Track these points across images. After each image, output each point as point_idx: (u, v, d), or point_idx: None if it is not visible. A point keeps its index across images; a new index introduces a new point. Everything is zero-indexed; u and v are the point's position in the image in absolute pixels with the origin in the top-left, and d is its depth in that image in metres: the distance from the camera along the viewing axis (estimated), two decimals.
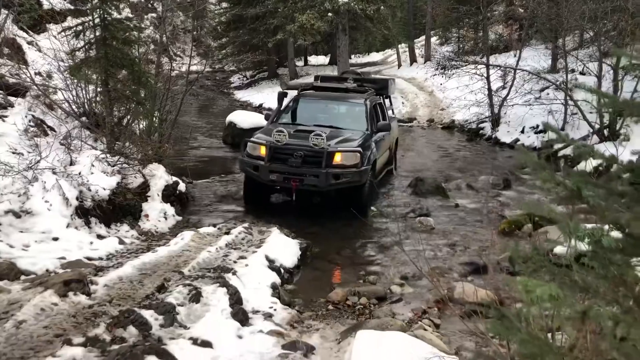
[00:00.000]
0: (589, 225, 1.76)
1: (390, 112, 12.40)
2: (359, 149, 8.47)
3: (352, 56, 45.01)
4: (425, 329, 4.93)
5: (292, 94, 11.01)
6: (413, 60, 32.62)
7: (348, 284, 6.16)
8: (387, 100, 12.29)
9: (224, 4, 34.81)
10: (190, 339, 4.09)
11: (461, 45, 28.74)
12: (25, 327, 3.80)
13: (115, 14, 9.16)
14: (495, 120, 17.31)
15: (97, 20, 8.34)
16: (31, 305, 4.04)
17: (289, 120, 9.92)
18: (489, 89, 17.41)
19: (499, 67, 17.36)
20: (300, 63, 38.44)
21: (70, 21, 15.77)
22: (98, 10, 8.09)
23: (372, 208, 9.22)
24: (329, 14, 23.55)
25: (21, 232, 5.87)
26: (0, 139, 7.68)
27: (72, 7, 19.58)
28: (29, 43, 16.90)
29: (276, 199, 9.55)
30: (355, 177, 8.27)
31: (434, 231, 8.31)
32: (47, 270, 5.06)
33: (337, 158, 8.28)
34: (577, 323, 1.87)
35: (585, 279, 1.70)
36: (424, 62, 30.10)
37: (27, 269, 4.98)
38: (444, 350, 4.24)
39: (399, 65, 33.39)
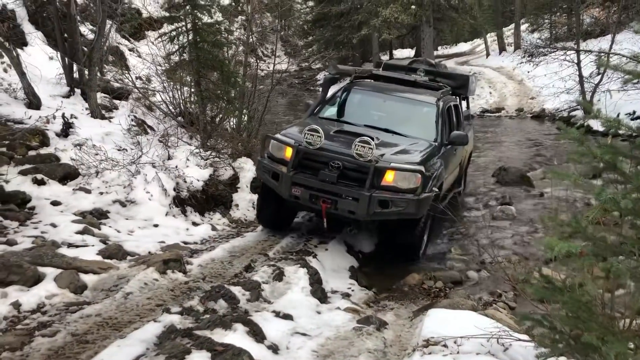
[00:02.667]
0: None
1: (467, 116, 9.89)
2: (421, 167, 5.97)
3: (439, 47, 44.52)
4: (499, 311, 5.06)
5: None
6: (502, 48, 31.77)
7: (425, 269, 6.36)
8: (464, 102, 9.81)
9: (310, 3, 35.51)
10: (273, 312, 4.49)
11: (553, 32, 27.63)
12: (131, 297, 4.36)
13: (206, 18, 9.84)
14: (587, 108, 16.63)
15: (189, 26, 8.99)
16: (136, 280, 4.60)
17: (332, 115, 7.56)
18: (580, 76, 16.75)
19: (590, 52, 16.65)
20: (385, 57, 38.45)
21: (166, 28, 16.89)
22: (190, 15, 8.74)
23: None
24: (412, 7, 23.49)
25: (126, 219, 6.57)
26: (107, 137, 8.54)
27: (168, 15, 20.88)
28: (130, 50, 18.30)
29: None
30: (410, 208, 5.83)
31: (516, 219, 8.29)
32: (149, 252, 5.66)
33: (389, 177, 5.92)
34: (601, 280, 2.03)
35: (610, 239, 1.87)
36: (514, 51, 29.25)
37: (132, 251, 5.60)
38: (513, 328, 4.37)
39: (487, 55, 32.64)
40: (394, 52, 41.95)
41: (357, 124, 7.05)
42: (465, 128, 8.94)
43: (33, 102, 9.00)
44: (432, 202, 6.25)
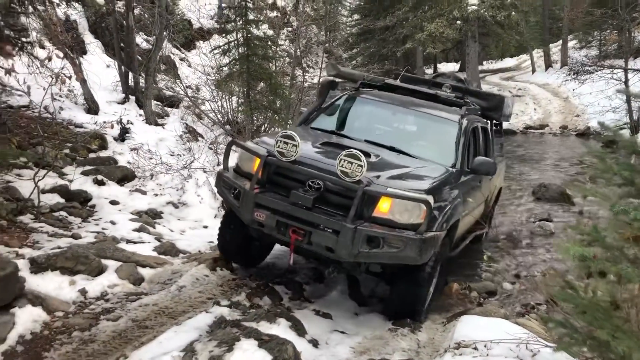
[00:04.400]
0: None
1: (498, 144, 8.10)
2: (429, 197, 4.51)
3: (484, 62, 44.27)
4: (531, 321, 5.23)
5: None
6: (548, 65, 31.48)
7: (461, 279, 6.55)
8: (492, 127, 7.69)
9: (356, 16, 36.01)
10: (314, 310, 4.81)
11: (603, 49, 27.25)
12: (184, 290, 4.73)
13: (255, 32, 10.32)
14: (635, 127, 16.43)
15: (240, 39, 9.47)
16: (189, 275, 4.98)
17: (328, 126, 6.09)
18: (627, 94, 16.58)
19: (638, 72, 16.48)
20: (429, 71, 38.54)
21: (216, 39, 17.55)
22: (242, 30, 9.21)
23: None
24: (458, 22, 23.60)
25: (178, 219, 7.02)
26: (161, 142, 9.06)
27: (218, 26, 21.61)
28: (182, 59, 19.02)
29: None
30: (409, 250, 4.37)
31: (554, 235, 8.39)
32: (199, 251, 6.06)
33: (383, 206, 4.48)
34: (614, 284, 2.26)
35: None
36: (560, 67, 28.96)
37: (184, 249, 6.00)
38: (544, 336, 4.55)
39: (533, 71, 32.37)
40: (439, 65, 41.96)
41: (357, 138, 5.64)
42: (497, 158, 7.38)
43: (92, 107, 9.62)
44: (441, 245, 4.76)
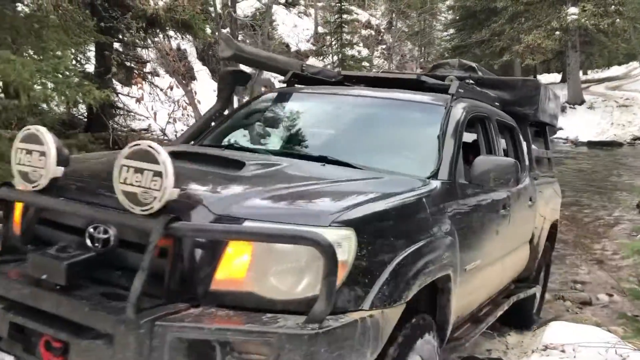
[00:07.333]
0: None
1: (540, 156, 5.57)
2: (343, 230, 2.08)
3: (589, 72, 42.35)
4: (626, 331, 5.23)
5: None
6: None
7: (554, 289, 6.59)
8: (527, 130, 5.07)
9: (450, 30, 35.90)
10: None
11: None
12: None
13: (350, 52, 10.87)
14: None
15: (336, 62, 10.04)
16: None
17: (235, 140, 3.86)
18: None
19: None
20: None
21: (312, 60, 18.37)
22: (338, 54, 9.78)
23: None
24: (557, 32, 23.00)
25: None
26: None
27: (314, 48, 22.54)
28: (280, 82, 20.05)
29: None
30: None
31: None
32: None
33: (234, 262, 2.05)
34: None
35: None
36: None
37: None
38: (636, 345, 4.57)
39: None
40: (538, 77, 40.69)
41: (261, 149, 3.61)
42: (536, 172, 4.99)
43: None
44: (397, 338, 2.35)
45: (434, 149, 3.30)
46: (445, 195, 3.03)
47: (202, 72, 14.64)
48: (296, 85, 4.49)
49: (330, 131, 3.84)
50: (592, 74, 42.31)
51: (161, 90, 8.06)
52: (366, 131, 3.74)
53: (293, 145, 3.73)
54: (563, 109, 26.05)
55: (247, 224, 2.05)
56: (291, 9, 27.24)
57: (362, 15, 32.07)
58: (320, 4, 27.05)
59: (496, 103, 4.65)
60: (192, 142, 4.03)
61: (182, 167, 2.38)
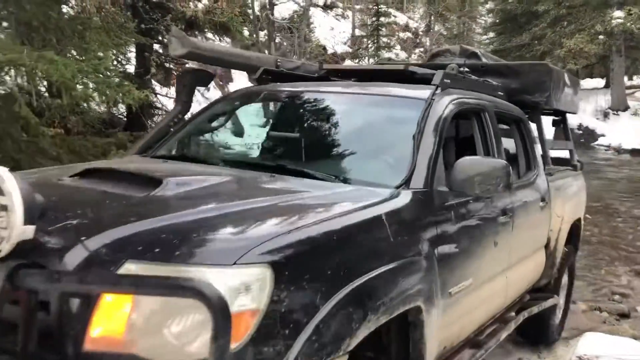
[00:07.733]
0: None
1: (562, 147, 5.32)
2: (253, 268, 1.65)
3: (634, 77, 41.12)
4: None
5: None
6: None
7: (591, 300, 6.44)
8: (540, 122, 4.76)
9: (490, 34, 35.42)
10: None
11: None
12: None
13: (386, 54, 10.83)
14: None
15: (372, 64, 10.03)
16: None
17: (188, 151, 3.62)
18: None
19: None
20: None
21: (348, 62, 18.38)
22: (375, 57, 9.77)
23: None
24: (601, 36, 22.45)
25: None
26: None
27: (350, 50, 22.56)
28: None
29: None
30: None
31: None
32: None
33: (96, 330, 1.59)
34: None
35: None
36: None
37: None
38: None
39: None
40: (581, 82, 39.74)
41: (227, 158, 3.40)
42: (548, 170, 4.37)
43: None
44: None
45: (408, 152, 2.76)
46: (419, 208, 2.52)
47: (239, 74, 14.79)
48: (270, 82, 3.87)
49: (293, 135, 3.44)
50: (637, 80, 41.06)
51: (198, 91, 8.20)
52: (333, 133, 3.30)
53: (248, 154, 3.40)
54: (606, 115, 25.42)
55: (127, 265, 1.61)
56: (329, 11, 27.34)
57: (400, 18, 31.94)
58: (358, 7, 27.07)
59: (499, 93, 4.13)
60: (147, 152, 3.48)
61: (78, 191, 2.09)
